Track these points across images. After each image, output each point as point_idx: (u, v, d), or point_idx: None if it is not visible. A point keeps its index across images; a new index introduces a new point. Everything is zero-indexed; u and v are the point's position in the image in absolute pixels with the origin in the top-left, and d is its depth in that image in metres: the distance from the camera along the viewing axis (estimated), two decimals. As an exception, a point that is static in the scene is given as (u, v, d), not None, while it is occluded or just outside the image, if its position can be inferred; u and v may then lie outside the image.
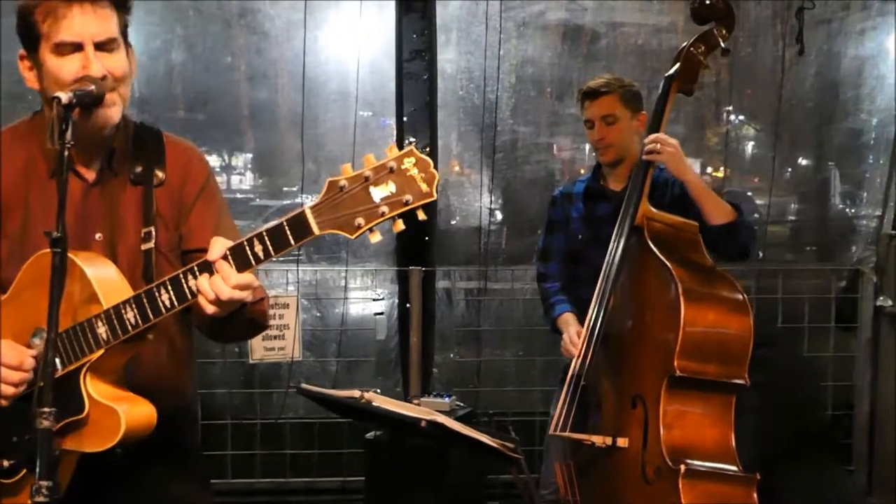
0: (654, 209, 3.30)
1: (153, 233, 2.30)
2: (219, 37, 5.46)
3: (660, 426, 2.98)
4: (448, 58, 5.33)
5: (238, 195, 6.46)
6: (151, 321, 2.08)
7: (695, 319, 2.99)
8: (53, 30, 2.16)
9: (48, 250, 2.08)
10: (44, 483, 1.84)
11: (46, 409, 1.86)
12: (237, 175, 6.59)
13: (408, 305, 5.17)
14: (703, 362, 3.00)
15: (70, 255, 2.09)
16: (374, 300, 5.40)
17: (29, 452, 1.92)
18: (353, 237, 1.89)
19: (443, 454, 4.25)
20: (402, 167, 1.86)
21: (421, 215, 1.89)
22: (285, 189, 5.88)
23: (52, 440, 1.90)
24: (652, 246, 3.17)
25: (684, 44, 3.39)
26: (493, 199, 5.44)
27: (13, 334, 2.17)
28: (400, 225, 1.88)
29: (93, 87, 2.11)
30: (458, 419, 4.45)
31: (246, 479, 5.18)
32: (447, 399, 4.56)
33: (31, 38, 2.21)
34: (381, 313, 5.43)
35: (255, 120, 5.65)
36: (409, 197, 1.86)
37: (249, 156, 6.24)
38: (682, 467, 2.88)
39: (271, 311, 4.76)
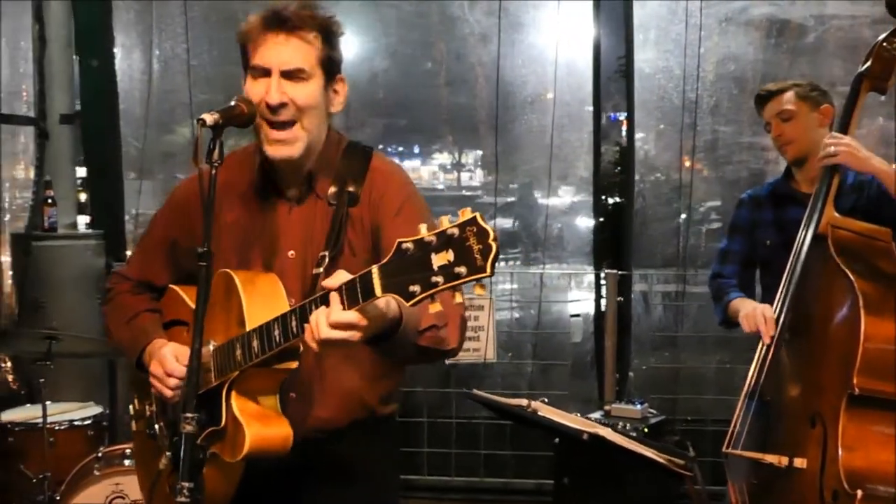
0: (839, 216, 3.12)
1: (327, 258, 2.23)
2: (419, 44, 5.62)
3: (839, 448, 2.81)
4: (645, 57, 5.25)
5: (465, 192, 6.61)
6: (267, 352, 2.06)
7: (876, 334, 2.81)
8: (253, 54, 2.26)
9: (225, 269, 2.23)
10: (185, 484, 1.95)
11: (190, 415, 1.97)
12: (467, 172, 6.75)
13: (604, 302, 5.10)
14: (886, 380, 2.81)
15: (233, 275, 2.20)
16: (570, 303, 5.37)
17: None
18: (408, 305, 1.74)
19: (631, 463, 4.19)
20: (463, 235, 1.67)
21: (478, 290, 1.70)
22: (511, 186, 5.93)
23: (195, 444, 2.00)
24: (835, 256, 3.00)
25: (879, 38, 3.19)
26: (691, 200, 5.28)
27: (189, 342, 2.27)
28: (480, 290, 1.70)
29: (242, 106, 2.16)
30: (650, 427, 4.38)
31: (441, 476, 5.30)
32: (639, 406, 4.47)
33: (244, 64, 2.31)
34: (578, 315, 5.40)
35: (454, 125, 5.77)
36: (462, 269, 1.67)
37: (479, 153, 6.36)
38: (860, 493, 2.71)
39: (466, 313, 4.82)
